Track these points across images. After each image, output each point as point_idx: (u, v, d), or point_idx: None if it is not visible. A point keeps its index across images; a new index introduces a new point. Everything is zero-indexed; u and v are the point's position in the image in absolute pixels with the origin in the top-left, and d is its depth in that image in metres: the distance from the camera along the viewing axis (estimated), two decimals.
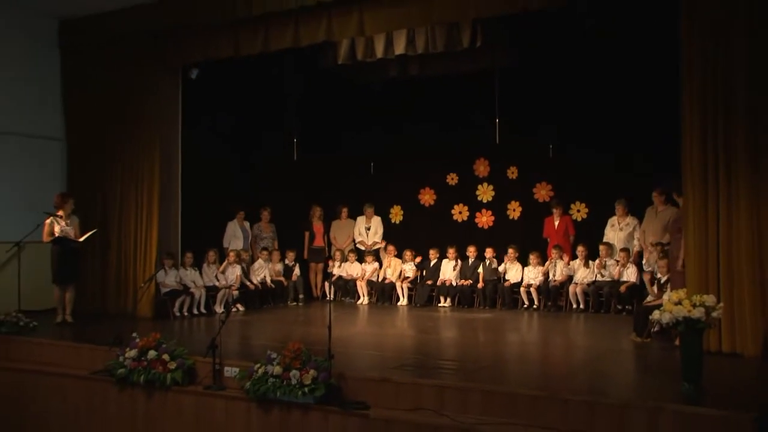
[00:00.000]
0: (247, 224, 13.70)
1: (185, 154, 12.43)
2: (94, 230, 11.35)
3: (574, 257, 12.41)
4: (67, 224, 10.89)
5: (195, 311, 11.87)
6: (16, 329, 10.07)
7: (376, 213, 14.42)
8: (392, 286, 13.45)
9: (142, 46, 11.88)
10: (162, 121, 12.01)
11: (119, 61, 12.11)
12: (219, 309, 12.01)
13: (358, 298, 13.70)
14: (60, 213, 10.93)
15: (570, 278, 12.21)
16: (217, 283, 12.37)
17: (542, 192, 13.52)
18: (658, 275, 9.58)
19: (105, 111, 12.27)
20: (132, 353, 8.21)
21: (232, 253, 12.80)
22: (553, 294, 12.21)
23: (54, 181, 12.43)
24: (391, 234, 14.39)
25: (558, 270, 12.32)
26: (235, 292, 12.37)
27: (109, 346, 8.56)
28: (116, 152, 12.19)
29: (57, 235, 10.82)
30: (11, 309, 10.60)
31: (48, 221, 10.86)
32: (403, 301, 13.27)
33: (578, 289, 11.94)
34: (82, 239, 11.04)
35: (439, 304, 13.07)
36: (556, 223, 12.70)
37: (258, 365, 7.37)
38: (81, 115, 12.65)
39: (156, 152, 11.85)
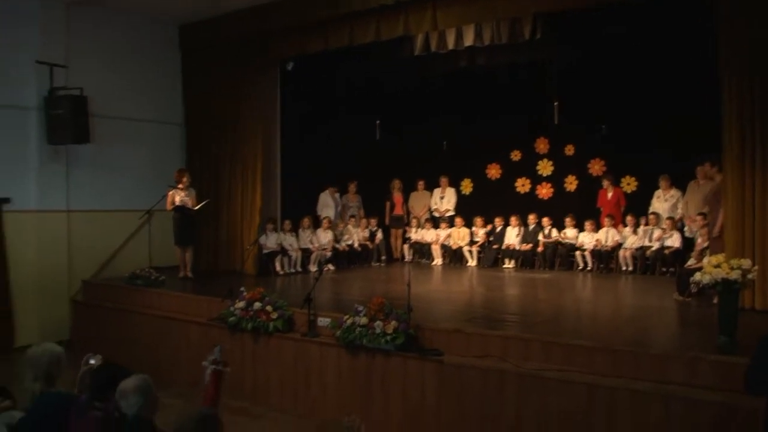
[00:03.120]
0: (337, 196, 13.85)
1: (284, 135, 12.62)
2: (207, 200, 11.63)
3: (624, 225, 12.19)
4: (185, 195, 11.17)
5: (292, 270, 12.10)
6: (149, 282, 10.50)
7: (450, 185, 14.41)
8: (461, 249, 13.46)
9: (248, 44, 12.03)
10: (264, 107, 12.17)
11: (229, 57, 12.31)
12: (313, 268, 12.21)
13: (433, 259, 13.75)
14: (180, 186, 11.21)
15: (620, 244, 12.00)
16: (311, 246, 12.57)
17: (596, 167, 13.30)
18: (699, 241, 9.37)
19: (217, 100, 12.51)
20: (241, 304, 8.45)
21: (325, 220, 12.99)
22: (604, 257, 12.04)
23: (175, 159, 12.81)
24: (461, 204, 14.36)
25: (609, 236, 12.14)
26: (327, 254, 12.55)
27: (223, 298, 8.82)
28: (226, 133, 12.43)
29: (177, 204, 11.12)
30: (144, 266, 11.06)
31: (170, 192, 11.17)
32: (471, 263, 13.27)
33: (627, 254, 11.75)
34: (197, 208, 11.30)
35: (504, 266, 13.02)
36: (609, 195, 12.48)
37: (347, 316, 7.51)
38: (197, 104, 12.94)
39: (259, 133, 12.04)
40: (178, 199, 11.11)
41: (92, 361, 4.81)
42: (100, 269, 11.70)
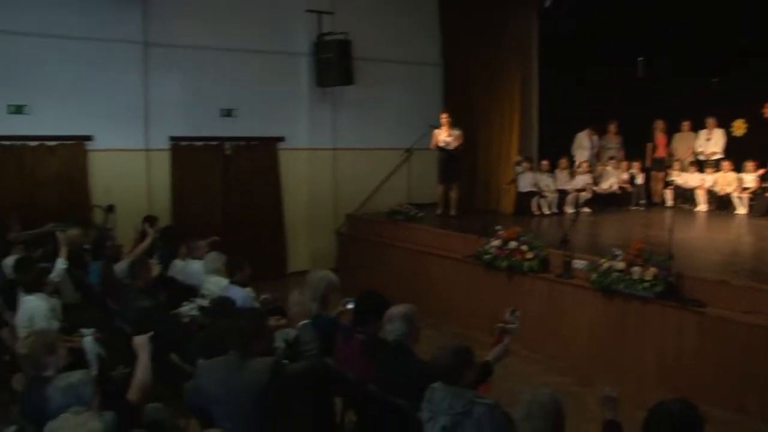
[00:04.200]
0: (594, 138, 13.44)
1: (542, 74, 12.49)
2: (461, 141, 11.78)
3: None
4: (448, 135, 11.32)
5: (547, 210, 12.06)
6: (407, 218, 11.05)
7: (717, 126, 13.39)
8: (729, 196, 12.54)
9: None
10: (522, 46, 12.12)
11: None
12: (569, 210, 12.05)
13: (696, 205, 12.97)
14: (443, 125, 11.39)
15: None
16: (567, 187, 12.43)
17: None
18: None
19: (474, 40, 12.61)
20: (496, 243, 8.64)
21: (584, 164, 12.71)
22: None
23: (434, 99, 13.22)
24: (730, 146, 13.29)
25: None
26: (585, 196, 12.34)
27: (478, 235, 9.08)
28: (483, 73, 12.53)
29: (440, 144, 11.38)
30: (403, 202, 11.65)
31: (435, 131, 11.44)
32: (741, 211, 12.32)
33: None
34: (452, 147, 11.40)
35: None
36: None
37: (603, 260, 7.43)
38: (455, 44, 13.15)
39: (516, 73, 12.02)
40: (441, 139, 11.37)
41: (349, 306, 5.26)
42: (363, 204, 12.53)
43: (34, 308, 5.92)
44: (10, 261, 7.73)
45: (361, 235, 11.70)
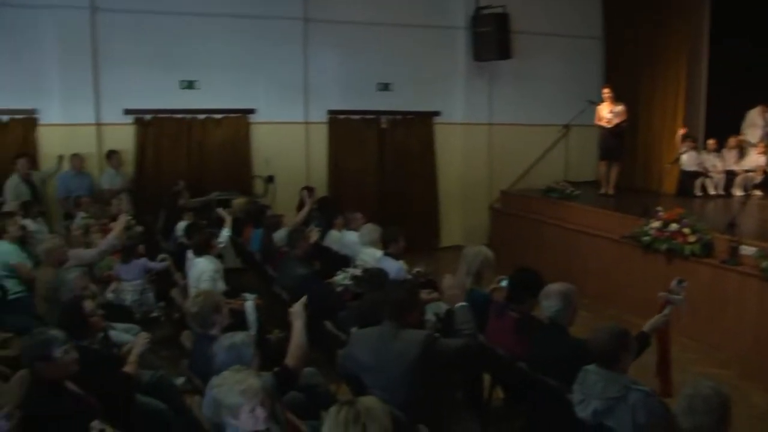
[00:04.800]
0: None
1: (711, 48, 11.75)
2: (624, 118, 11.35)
3: None
4: (610, 111, 10.98)
5: (713, 192, 11.40)
6: (563, 195, 10.84)
7: None
8: None
9: None
10: (689, 18, 11.47)
11: None
12: (737, 192, 11.36)
13: None
14: (604, 101, 11.06)
15: None
16: (736, 168, 11.69)
17: None
18: None
19: (637, 12, 12.14)
20: (656, 224, 8.32)
21: (760, 145, 11.87)
22: None
23: (593, 74, 12.82)
24: None
25: None
26: (755, 177, 11.56)
27: (638, 216, 8.78)
28: (647, 47, 12.01)
29: (603, 122, 11.03)
30: (559, 179, 11.46)
31: (598, 107, 11.14)
32: None
33: None
34: (613, 124, 11.00)
35: None
36: None
37: None
38: (616, 17, 12.72)
39: (683, 44, 11.45)
40: (602, 115, 11.05)
41: (503, 283, 5.23)
42: (517, 180, 12.39)
43: (202, 270, 6.34)
44: (181, 226, 8.33)
45: (515, 211, 11.60)
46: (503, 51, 11.66)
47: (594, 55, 13.08)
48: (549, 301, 4.43)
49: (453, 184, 12.28)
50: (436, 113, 12.09)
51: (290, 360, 4.04)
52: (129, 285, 7.02)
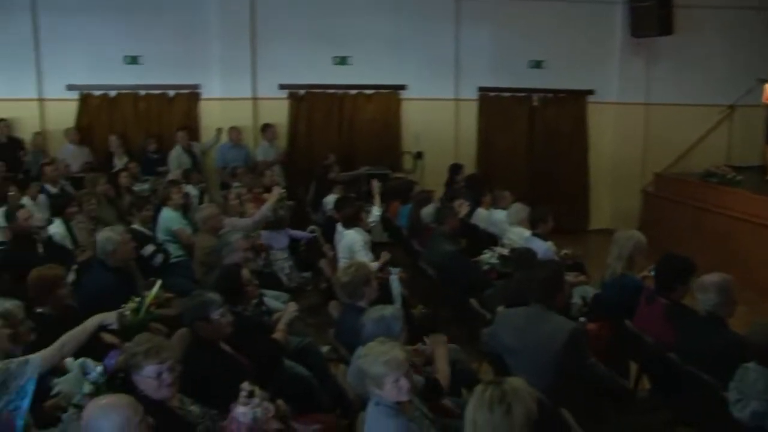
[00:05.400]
0: None
1: None
2: None
3: None
4: None
5: None
6: (724, 180, 10.20)
7: None
8: None
9: None
10: None
11: None
12: None
13: None
14: None
15: None
16: None
17: None
18: None
19: None
20: None
21: None
22: None
23: (764, 50, 11.88)
24: None
25: None
26: None
27: None
28: None
29: None
30: (720, 163, 10.79)
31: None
32: None
33: None
34: None
35: None
36: None
37: None
38: None
39: None
40: None
41: (652, 273, 5.02)
42: (674, 163, 11.80)
43: (352, 241, 6.51)
44: (330, 199, 8.57)
45: (669, 195, 11.07)
46: (665, 26, 11.04)
47: (764, 29, 12.13)
48: (706, 294, 4.22)
49: (604, 165, 11.88)
50: (590, 92, 11.71)
51: (442, 378, 3.99)
52: (279, 253, 7.33)
